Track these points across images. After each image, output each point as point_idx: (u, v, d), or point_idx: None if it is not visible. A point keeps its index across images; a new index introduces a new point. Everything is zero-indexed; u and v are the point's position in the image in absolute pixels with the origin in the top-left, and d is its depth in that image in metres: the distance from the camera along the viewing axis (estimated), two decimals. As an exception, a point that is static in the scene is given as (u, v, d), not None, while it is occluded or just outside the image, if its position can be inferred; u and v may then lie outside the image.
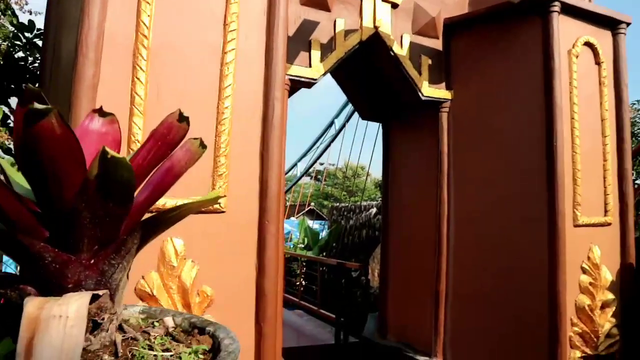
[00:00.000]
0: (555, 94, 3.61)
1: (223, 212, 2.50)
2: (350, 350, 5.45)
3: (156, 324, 1.44)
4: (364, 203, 16.29)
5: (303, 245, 18.72)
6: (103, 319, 1.17)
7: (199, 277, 2.42)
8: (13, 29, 5.07)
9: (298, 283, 8.56)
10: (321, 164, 50.59)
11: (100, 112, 1.13)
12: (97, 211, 0.99)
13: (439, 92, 4.26)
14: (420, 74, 4.13)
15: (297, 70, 3.51)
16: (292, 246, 19.16)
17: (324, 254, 18.39)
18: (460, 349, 4.15)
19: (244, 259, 2.54)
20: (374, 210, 15.41)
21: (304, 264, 15.02)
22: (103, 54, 2.32)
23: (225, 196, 2.50)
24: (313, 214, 29.66)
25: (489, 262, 3.98)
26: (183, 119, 1.16)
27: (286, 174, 10.00)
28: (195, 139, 1.23)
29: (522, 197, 3.82)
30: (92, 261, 1.11)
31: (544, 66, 3.70)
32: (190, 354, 1.19)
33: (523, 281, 3.75)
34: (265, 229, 2.54)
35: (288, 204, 38.93)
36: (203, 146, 1.23)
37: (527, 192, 3.78)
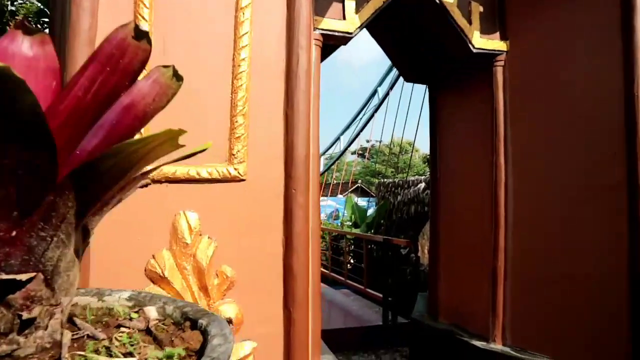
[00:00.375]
0: (637, 35, 3.02)
1: (243, 180, 2.18)
2: (399, 332, 5.10)
3: (134, 315, 1.13)
4: (411, 178, 15.72)
5: (350, 223, 18.40)
6: (34, 312, 0.86)
7: (217, 255, 2.12)
8: (39, 4, 4.93)
9: (345, 261, 8.26)
10: (367, 140, 50.02)
11: (25, 29, 0.79)
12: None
13: (492, 43, 3.72)
14: (470, 23, 3.61)
15: (330, 23, 3.09)
16: (339, 224, 18.86)
17: (372, 231, 18.00)
18: (523, 333, 3.70)
19: (269, 234, 2.22)
20: (422, 185, 14.82)
21: (351, 241, 14.78)
22: (100, 2, 2.02)
23: (244, 162, 2.17)
24: (360, 192, 29.27)
25: (555, 236, 3.47)
26: (141, 34, 0.81)
27: (328, 148, 9.61)
28: (166, 66, 0.89)
29: (595, 161, 3.26)
30: (13, 234, 0.79)
31: (621, 2, 3.10)
32: (161, 360, 0.86)
33: (597, 258, 3.23)
34: (292, 198, 2.20)
35: (334, 181, 38.71)
36: (178, 78, 0.89)
37: (602, 155, 3.23)
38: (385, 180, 18.65)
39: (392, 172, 34.08)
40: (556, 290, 3.45)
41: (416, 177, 16.11)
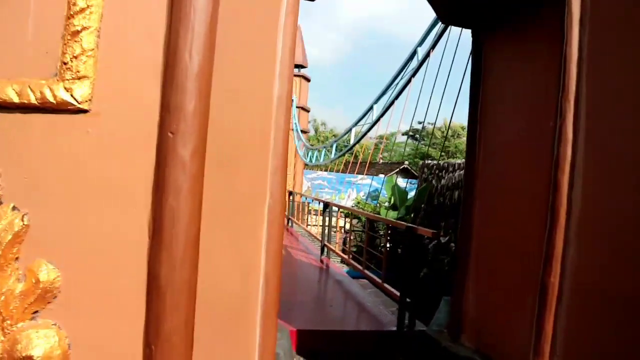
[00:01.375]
0: None
1: (83, 110, 1.21)
2: (410, 346, 4.06)
3: None
4: (457, 161, 14.28)
5: (389, 205, 17.23)
6: None
7: (28, 242, 1.17)
8: None
9: (359, 245, 7.16)
10: (419, 122, 48.09)
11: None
12: None
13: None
14: None
15: None
16: (376, 204, 17.69)
17: (412, 215, 16.74)
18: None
19: (126, 210, 1.24)
20: (470, 169, 13.38)
21: (376, 227, 13.65)
22: None
23: (86, 78, 1.18)
24: (407, 174, 27.88)
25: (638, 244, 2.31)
26: None
27: (361, 119, 8.52)
28: None
29: None
30: None
31: None
32: None
33: None
34: (169, 149, 1.20)
35: (381, 161, 37.27)
36: None
37: None
38: (430, 161, 17.25)
39: (442, 156, 32.27)
40: (632, 316, 2.31)
41: (463, 160, 14.65)
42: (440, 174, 15.59)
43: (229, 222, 1.42)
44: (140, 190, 1.24)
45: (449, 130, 45.50)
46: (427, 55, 8.12)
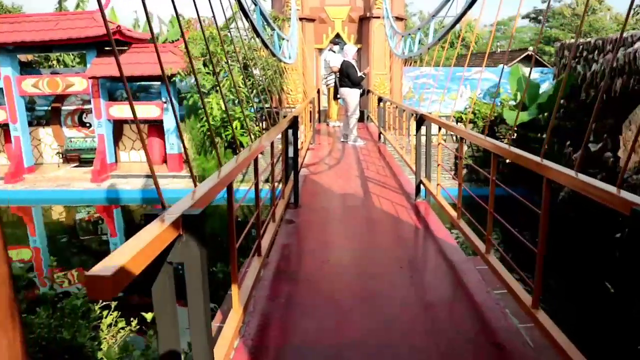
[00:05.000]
0: None
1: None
2: None
3: None
4: (616, 35, 10.00)
5: (514, 103, 13.47)
6: None
7: None
8: None
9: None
10: (543, 1, 39.98)
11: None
12: None
13: None
14: None
15: None
16: (499, 104, 13.97)
17: (544, 114, 12.90)
18: None
19: None
20: (643, 44, 9.17)
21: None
22: None
23: None
24: (531, 61, 22.70)
25: None
26: None
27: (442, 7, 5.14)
28: None
29: None
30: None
31: None
32: None
33: None
34: None
35: (498, 49, 31.60)
36: None
37: None
38: (572, 41, 12.83)
39: (572, 38, 26.07)
40: None
41: (631, 31, 10.22)
42: (590, 56, 11.37)
43: None
44: None
45: (583, 5, 36.97)
46: None
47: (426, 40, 6.45)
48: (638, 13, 29.50)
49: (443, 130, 5.27)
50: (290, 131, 4.84)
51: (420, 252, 3.96)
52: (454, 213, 3.86)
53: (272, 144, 3.73)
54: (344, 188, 5.84)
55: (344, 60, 8.85)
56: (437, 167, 4.58)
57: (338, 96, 9.93)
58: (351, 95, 8.74)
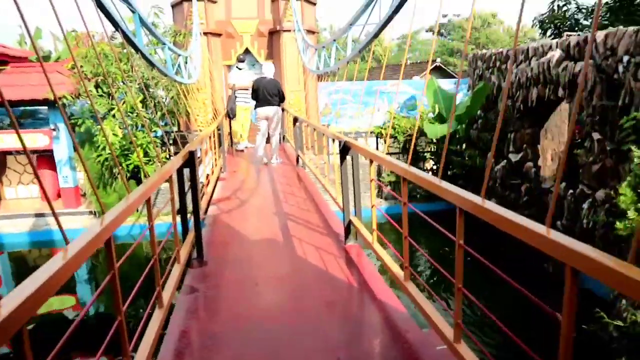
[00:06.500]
0: None
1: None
2: None
3: None
4: (532, 44, 9.97)
5: (433, 116, 13.25)
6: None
7: None
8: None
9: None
10: (444, 15, 42.14)
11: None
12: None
13: None
14: None
15: None
16: (417, 117, 13.72)
17: (462, 125, 12.78)
18: None
19: None
20: (555, 54, 9.14)
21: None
22: None
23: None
24: (442, 73, 23.35)
25: None
26: None
27: (362, 12, 4.41)
28: None
29: None
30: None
31: None
32: None
33: None
34: None
35: (407, 62, 32.47)
36: None
37: None
38: (486, 51, 12.89)
39: (472, 50, 27.40)
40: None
41: (545, 41, 10.24)
42: (503, 66, 11.36)
43: None
44: None
45: (477, 20, 39.35)
46: None
47: (343, 53, 5.71)
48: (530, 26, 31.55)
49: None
50: (186, 170, 3.80)
51: (358, 329, 3.02)
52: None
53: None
54: (261, 231, 4.82)
55: (270, 79, 8.59)
56: (371, 208, 3.69)
57: (257, 117, 8.96)
58: (279, 113, 8.82)
